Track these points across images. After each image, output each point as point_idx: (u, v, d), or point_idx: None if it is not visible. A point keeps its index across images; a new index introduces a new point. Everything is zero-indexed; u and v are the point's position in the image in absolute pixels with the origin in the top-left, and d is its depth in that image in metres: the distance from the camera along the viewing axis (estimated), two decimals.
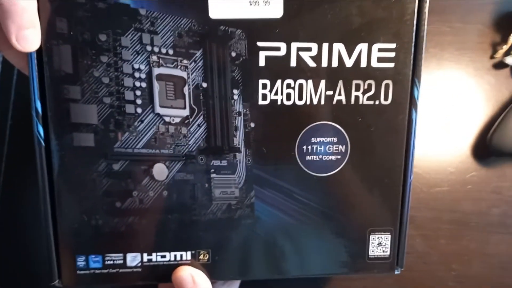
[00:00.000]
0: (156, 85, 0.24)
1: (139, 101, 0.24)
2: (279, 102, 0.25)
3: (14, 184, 0.39)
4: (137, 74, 0.23)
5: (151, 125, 0.24)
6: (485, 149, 0.40)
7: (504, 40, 0.40)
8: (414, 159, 0.38)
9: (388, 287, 0.39)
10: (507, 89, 0.41)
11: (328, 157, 0.25)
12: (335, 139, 0.25)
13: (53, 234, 0.25)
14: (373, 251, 0.27)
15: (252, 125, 0.25)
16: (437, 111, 0.41)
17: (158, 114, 0.24)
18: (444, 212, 0.40)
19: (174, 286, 0.25)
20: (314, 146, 0.25)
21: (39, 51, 0.22)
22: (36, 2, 0.22)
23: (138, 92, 0.24)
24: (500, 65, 0.41)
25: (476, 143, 0.41)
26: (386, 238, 0.27)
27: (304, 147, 0.25)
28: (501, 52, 0.41)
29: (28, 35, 0.21)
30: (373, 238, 0.27)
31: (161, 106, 0.24)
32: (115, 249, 0.25)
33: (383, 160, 0.26)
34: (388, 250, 0.27)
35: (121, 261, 0.25)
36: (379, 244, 0.27)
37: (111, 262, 0.25)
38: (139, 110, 0.24)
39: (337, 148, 0.25)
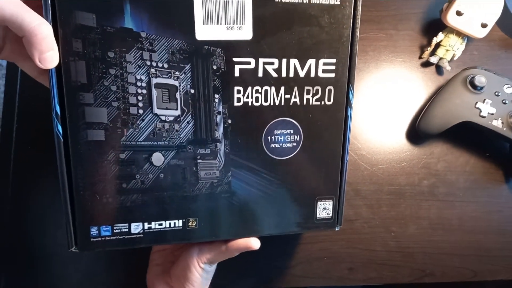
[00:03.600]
0: (154, 92, 0.30)
1: (140, 104, 0.30)
2: (250, 104, 0.32)
3: (23, 180, 0.43)
4: (139, 83, 0.30)
5: (150, 122, 0.30)
6: (415, 132, 0.48)
7: (429, 43, 0.49)
8: (360, 143, 0.48)
9: (340, 247, 0.47)
10: (433, 83, 0.50)
11: (286, 145, 0.34)
12: (292, 131, 0.33)
13: (71, 211, 0.31)
14: (319, 214, 0.36)
15: (230, 121, 0.32)
16: (376, 104, 0.49)
17: (156, 114, 0.30)
18: (384, 185, 0.48)
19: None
20: (276, 137, 0.33)
21: (58, 66, 0.28)
22: (52, 29, 0.27)
23: (139, 97, 0.30)
24: (426, 64, 0.50)
25: (408, 128, 0.49)
26: (329, 204, 0.36)
27: (269, 137, 0.33)
28: (427, 53, 0.49)
29: (48, 57, 0.26)
30: (320, 204, 0.36)
31: (158, 108, 0.30)
32: (121, 220, 0.32)
33: (327, 146, 0.34)
34: (331, 212, 0.36)
35: (127, 229, 0.32)
36: (324, 209, 0.36)
37: (119, 230, 0.32)
38: (140, 111, 0.30)
39: (293, 138, 0.33)
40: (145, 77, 0.30)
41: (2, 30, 0.29)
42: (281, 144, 0.33)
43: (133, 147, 0.31)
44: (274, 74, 0.32)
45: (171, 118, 0.31)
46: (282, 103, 0.33)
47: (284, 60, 0.32)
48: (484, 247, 0.49)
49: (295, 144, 0.34)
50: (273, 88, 0.32)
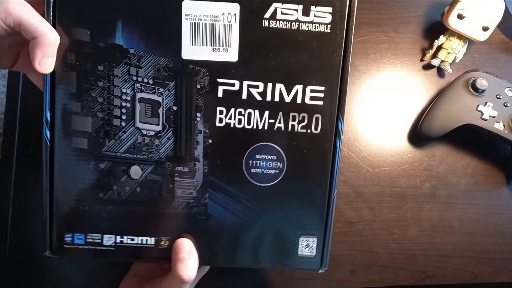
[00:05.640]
0: (137, 106, 0.31)
1: (123, 117, 0.31)
2: (232, 125, 0.32)
3: (25, 182, 0.45)
4: (124, 97, 0.31)
5: (131, 135, 0.31)
6: (417, 135, 0.48)
7: (430, 46, 0.49)
8: (362, 146, 0.48)
9: (342, 250, 0.47)
10: (434, 85, 0.50)
11: (268, 171, 0.32)
12: (275, 157, 0.32)
13: (49, 215, 0.32)
14: (302, 250, 0.33)
15: (210, 141, 0.32)
16: (378, 106, 0.49)
17: (137, 128, 0.31)
18: (386, 187, 0.48)
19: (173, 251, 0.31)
20: (258, 161, 0.32)
21: (52, 75, 0.30)
22: (59, 40, 0.29)
23: (123, 110, 0.31)
24: (428, 67, 0.50)
25: (410, 130, 0.49)
26: (313, 241, 0.33)
27: (250, 161, 0.32)
28: (428, 56, 0.49)
29: (47, 62, 0.29)
30: (302, 240, 0.33)
31: (140, 122, 0.31)
32: (95, 230, 0.32)
33: (312, 177, 0.32)
34: (314, 251, 0.33)
35: (99, 240, 0.32)
36: (307, 246, 0.33)
37: (91, 240, 0.32)
38: (123, 124, 0.31)
39: (276, 164, 0.32)
40: (130, 91, 0.31)
41: (19, 45, 0.32)
42: (262, 170, 0.32)
43: (113, 158, 0.31)
44: (259, 98, 0.31)
45: (152, 133, 0.31)
46: (266, 128, 0.32)
47: (270, 84, 0.31)
48: (484, 250, 0.49)
49: (277, 171, 0.32)
50: (257, 111, 0.32)
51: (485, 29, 0.45)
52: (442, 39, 0.47)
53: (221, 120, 0.32)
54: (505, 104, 0.44)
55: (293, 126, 0.32)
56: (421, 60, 0.50)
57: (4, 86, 0.45)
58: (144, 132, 0.31)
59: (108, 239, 0.32)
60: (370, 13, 0.50)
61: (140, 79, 0.31)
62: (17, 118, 0.45)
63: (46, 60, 0.29)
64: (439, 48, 0.48)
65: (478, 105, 0.44)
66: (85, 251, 0.32)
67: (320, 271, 0.33)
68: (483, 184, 0.49)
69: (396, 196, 0.48)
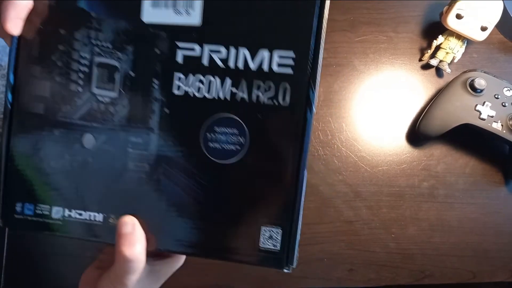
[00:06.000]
0: (95, 70, 0.30)
1: (80, 82, 0.30)
2: (191, 94, 0.29)
3: None
4: (82, 61, 0.30)
5: (87, 101, 0.30)
6: (415, 134, 0.48)
7: (429, 46, 0.48)
8: (360, 145, 0.46)
9: (340, 249, 0.47)
10: (432, 85, 0.50)
11: (228, 146, 0.28)
12: (236, 131, 0.28)
13: (3, 182, 0.30)
14: (263, 242, 0.28)
15: (167, 111, 0.29)
16: (376, 106, 0.49)
17: (93, 93, 0.30)
18: (384, 186, 0.48)
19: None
20: (217, 135, 0.29)
21: (19, 38, 0.30)
22: (32, 2, 0.29)
23: (80, 75, 0.30)
24: (426, 66, 0.50)
25: (409, 130, 0.49)
26: (277, 233, 0.28)
27: (208, 134, 0.29)
28: (427, 55, 0.48)
29: (18, 23, 0.29)
30: (265, 230, 0.28)
31: (96, 87, 0.30)
32: (44, 201, 0.30)
33: (279, 155, 0.28)
34: (279, 244, 0.28)
35: (48, 213, 0.30)
36: (270, 238, 0.28)
37: (40, 212, 0.30)
38: (79, 89, 0.30)
39: (237, 139, 0.28)
40: (89, 55, 0.30)
41: None
42: (221, 145, 0.28)
43: (67, 125, 0.30)
44: (221, 64, 0.28)
45: (107, 100, 0.30)
46: (228, 98, 0.28)
47: (233, 49, 0.28)
48: (482, 249, 0.49)
49: (238, 147, 0.28)
50: (218, 79, 0.29)
51: (483, 29, 0.45)
52: (440, 39, 0.47)
53: (179, 88, 0.29)
54: (503, 104, 0.44)
55: (257, 96, 0.28)
56: (420, 60, 0.49)
57: (3, 86, 0.47)
58: (100, 98, 0.30)
59: (57, 212, 0.30)
60: (369, 13, 0.50)
61: (99, 43, 0.30)
62: None
63: (17, 21, 0.29)
64: (438, 48, 0.48)
65: (476, 105, 0.44)
66: (34, 223, 0.30)
67: (286, 270, 0.28)
68: (481, 183, 0.49)
69: (394, 196, 0.47)
